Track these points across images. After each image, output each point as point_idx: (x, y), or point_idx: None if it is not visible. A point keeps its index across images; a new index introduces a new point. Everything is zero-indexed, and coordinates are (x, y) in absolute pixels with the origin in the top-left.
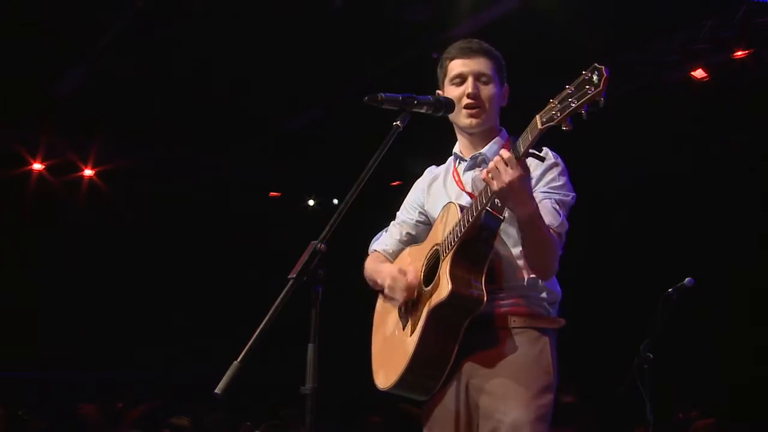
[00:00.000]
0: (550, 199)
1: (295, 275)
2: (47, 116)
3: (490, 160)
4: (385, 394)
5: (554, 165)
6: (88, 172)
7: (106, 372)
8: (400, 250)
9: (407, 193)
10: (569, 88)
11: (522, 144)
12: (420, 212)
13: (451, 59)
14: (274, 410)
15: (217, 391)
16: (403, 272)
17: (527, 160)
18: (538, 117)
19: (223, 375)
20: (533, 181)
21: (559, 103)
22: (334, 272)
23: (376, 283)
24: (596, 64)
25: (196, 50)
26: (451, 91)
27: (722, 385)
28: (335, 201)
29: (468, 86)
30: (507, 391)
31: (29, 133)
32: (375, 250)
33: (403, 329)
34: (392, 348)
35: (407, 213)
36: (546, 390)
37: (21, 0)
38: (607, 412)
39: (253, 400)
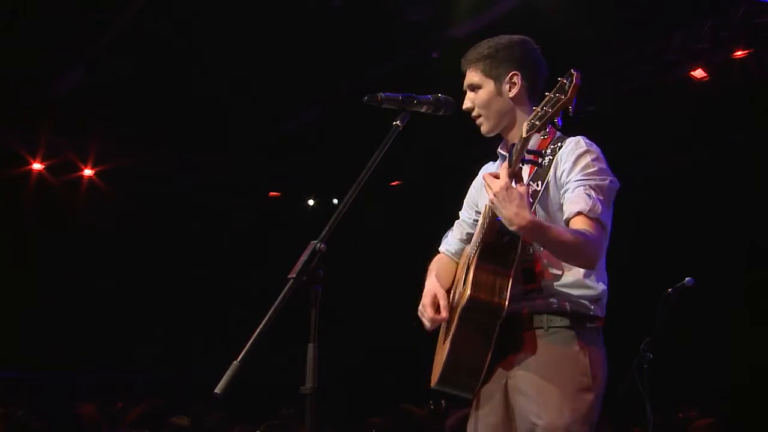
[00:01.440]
0: (584, 185)
1: (294, 275)
2: (47, 116)
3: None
4: (387, 394)
5: (586, 152)
6: (87, 172)
7: (106, 372)
8: (462, 249)
9: (408, 193)
10: (549, 95)
11: (515, 153)
12: (476, 211)
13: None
14: (274, 410)
15: (216, 390)
16: (429, 305)
17: (562, 148)
18: (525, 124)
19: (223, 375)
20: (565, 172)
21: (540, 109)
22: (334, 272)
23: None
24: (571, 70)
25: (196, 50)
26: None
27: (722, 385)
28: (335, 201)
29: (465, 101)
30: (541, 394)
31: (29, 132)
32: (439, 251)
33: (447, 331)
34: (441, 349)
35: (466, 212)
36: (583, 391)
37: None
38: (608, 411)
39: (253, 400)
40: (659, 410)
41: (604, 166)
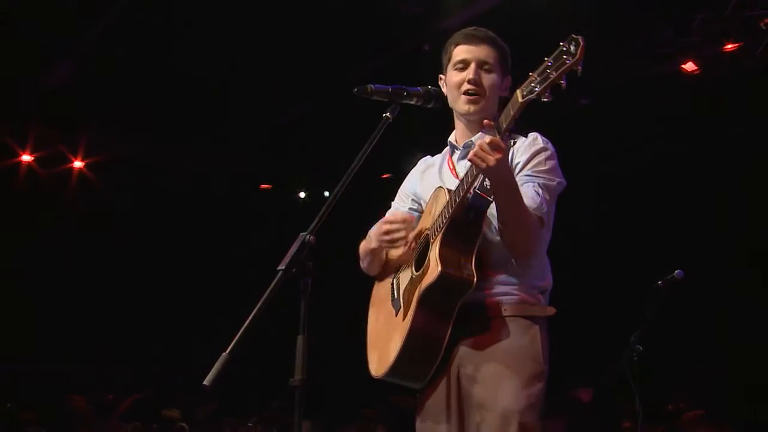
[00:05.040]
0: (533, 182)
1: (284, 266)
2: (36, 107)
3: None
4: (380, 386)
5: (542, 150)
6: (77, 164)
7: (97, 364)
8: None
9: (399, 185)
10: (548, 61)
11: (504, 120)
12: (413, 200)
13: (456, 45)
14: (265, 403)
15: (205, 382)
16: (388, 218)
17: (517, 143)
18: (518, 91)
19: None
20: (519, 165)
21: (538, 75)
22: (328, 264)
23: (370, 252)
24: (573, 35)
25: (188, 41)
26: (453, 76)
27: (712, 377)
28: (326, 193)
29: (470, 72)
30: (497, 381)
31: (18, 124)
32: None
33: (396, 315)
34: (385, 334)
35: (401, 201)
36: (536, 379)
37: None
38: (597, 403)
39: (244, 392)
40: (649, 402)
41: (555, 165)
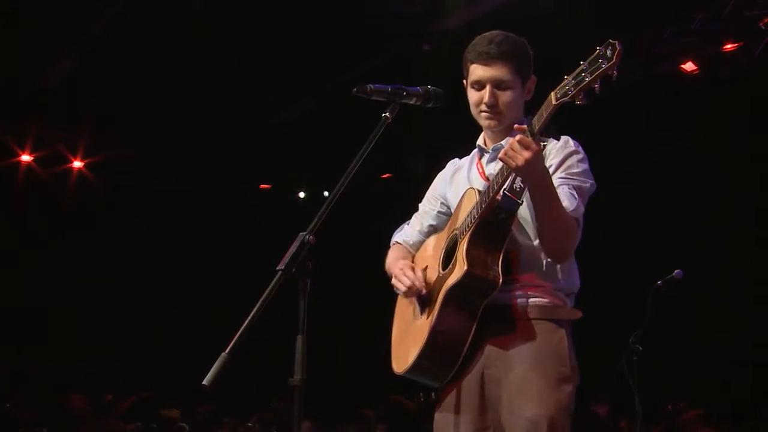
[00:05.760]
0: (567, 184)
1: (283, 267)
2: (36, 107)
3: None
4: (380, 387)
5: (574, 152)
6: (77, 164)
7: (96, 364)
8: (422, 242)
9: (399, 186)
10: (583, 64)
11: (537, 121)
12: (442, 203)
13: (472, 62)
14: (265, 402)
15: (204, 382)
16: (408, 267)
17: (548, 146)
18: (552, 93)
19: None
20: (552, 168)
21: (573, 78)
22: (331, 264)
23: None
24: (610, 40)
25: (188, 41)
26: (471, 94)
27: (710, 377)
28: (326, 193)
29: (485, 95)
30: (524, 385)
31: (18, 124)
32: (396, 242)
33: (421, 314)
34: (409, 333)
35: (429, 204)
36: (563, 382)
37: None
38: (596, 404)
39: (244, 392)
40: (648, 402)
41: (587, 168)
